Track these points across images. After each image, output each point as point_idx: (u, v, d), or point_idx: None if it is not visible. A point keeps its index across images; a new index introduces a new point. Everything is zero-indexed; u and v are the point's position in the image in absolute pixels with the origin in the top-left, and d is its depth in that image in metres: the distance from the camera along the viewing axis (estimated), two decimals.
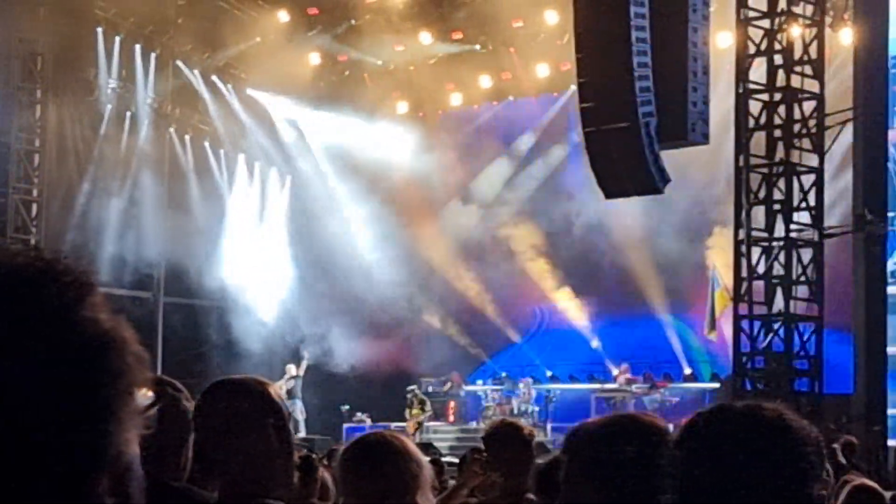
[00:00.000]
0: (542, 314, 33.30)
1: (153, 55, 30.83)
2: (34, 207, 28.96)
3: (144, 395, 1.41)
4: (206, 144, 32.67)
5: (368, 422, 28.95)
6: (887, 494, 7.17)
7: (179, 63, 31.52)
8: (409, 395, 29.64)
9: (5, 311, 1.32)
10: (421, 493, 4.60)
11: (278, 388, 4.02)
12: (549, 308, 32.96)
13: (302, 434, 27.25)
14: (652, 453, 3.02)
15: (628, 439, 3.24)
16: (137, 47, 30.46)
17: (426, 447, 17.51)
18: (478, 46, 31.98)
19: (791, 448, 2.64)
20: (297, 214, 34.22)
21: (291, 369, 30.19)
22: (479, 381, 32.35)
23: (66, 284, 1.36)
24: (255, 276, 32.76)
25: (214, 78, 32.28)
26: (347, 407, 30.49)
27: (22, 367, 1.30)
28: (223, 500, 3.84)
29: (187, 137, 32.20)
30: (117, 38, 30.05)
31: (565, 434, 2.96)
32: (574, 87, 22.26)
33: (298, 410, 29.34)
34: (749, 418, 2.69)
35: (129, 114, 30.77)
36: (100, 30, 29.59)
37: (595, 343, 32.19)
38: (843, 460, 14.07)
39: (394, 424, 25.73)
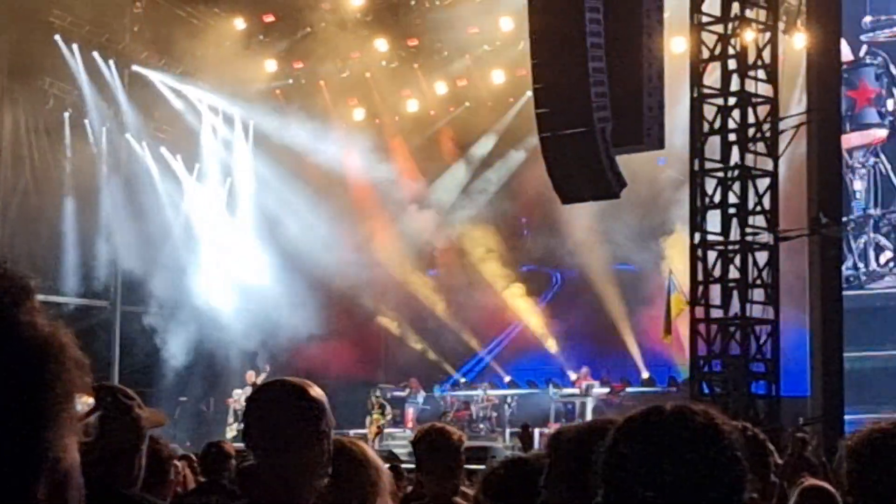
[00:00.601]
0: (504, 323, 33.29)
1: (110, 62, 30.69)
2: None
3: (85, 402, 1.40)
4: (164, 151, 32.54)
5: None
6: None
7: (136, 70, 31.39)
8: (371, 399, 29.63)
9: None
10: (380, 500, 4.61)
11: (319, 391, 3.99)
12: (508, 313, 32.96)
13: None
14: None
15: None
16: (95, 54, 30.33)
17: (389, 457, 17.50)
18: (433, 53, 32.00)
19: (721, 451, 2.61)
20: (255, 222, 34.12)
21: (251, 377, 30.08)
22: (438, 387, 32.35)
23: (2, 289, 1.36)
24: (215, 284, 32.62)
25: (171, 85, 32.18)
26: None
27: None
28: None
29: (144, 144, 32.07)
30: (74, 46, 29.90)
31: (550, 436, 2.96)
32: (530, 93, 22.29)
33: None
34: (679, 421, 2.66)
35: (86, 121, 30.63)
36: (57, 37, 29.45)
37: (553, 347, 32.25)
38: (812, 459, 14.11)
39: (353, 431, 25.69)
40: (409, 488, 9.41)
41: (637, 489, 2.57)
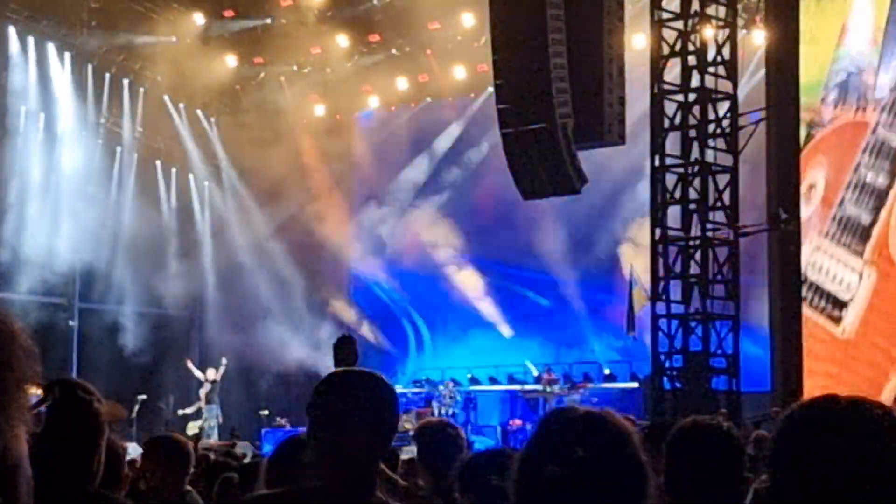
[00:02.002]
0: (458, 315, 33.25)
1: (67, 55, 30.45)
2: None
3: (35, 393, 1.37)
4: (119, 149, 32.33)
5: (287, 426, 28.81)
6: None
7: (93, 65, 31.16)
8: None
9: None
10: None
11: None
12: (468, 308, 32.95)
13: (215, 440, 27.02)
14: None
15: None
16: (50, 47, 30.10)
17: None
18: (394, 49, 31.96)
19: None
20: (212, 219, 34.03)
21: (210, 373, 29.95)
22: (399, 385, 32.31)
23: None
24: (170, 281, 32.47)
25: (128, 80, 31.99)
26: (266, 412, 30.32)
27: None
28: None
29: (100, 141, 31.85)
30: (30, 39, 29.67)
31: (538, 421, 2.96)
32: (491, 89, 22.30)
33: (214, 416, 29.17)
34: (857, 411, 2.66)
35: (41, 115, 30.39)
36: (12, 29, 29.22)
37: (515, 343, 32.28)
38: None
39: None
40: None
41: (812, 476, 2.57)
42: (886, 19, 23.07)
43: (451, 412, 28.79)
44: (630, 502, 2.72)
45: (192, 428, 28.29)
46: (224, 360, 30.49)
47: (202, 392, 29.38)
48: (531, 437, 2.88)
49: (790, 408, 2.74)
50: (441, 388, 30.30)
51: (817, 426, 2.62)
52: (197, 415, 29.40)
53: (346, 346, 13.78)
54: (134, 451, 11.45)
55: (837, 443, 2.56)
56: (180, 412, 29.62)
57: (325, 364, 32.14)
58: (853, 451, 2.55)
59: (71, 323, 30.49)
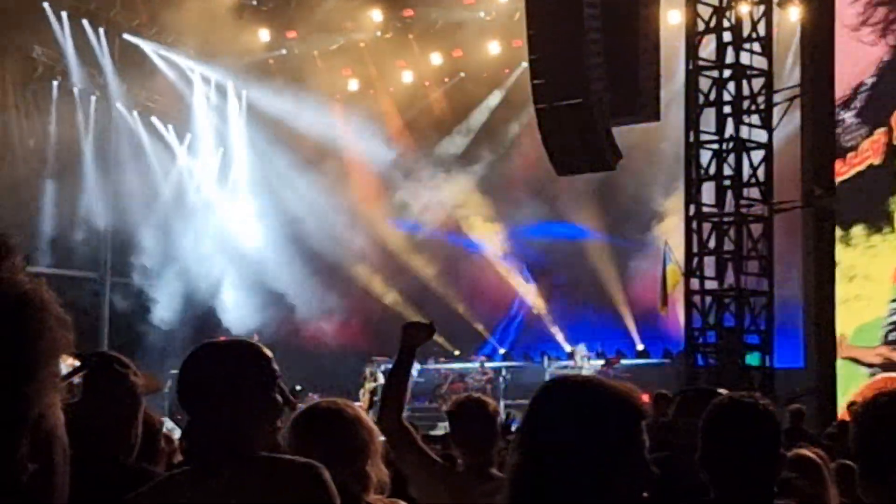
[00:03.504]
0: (490, 289, 33.22)
1: (101, 30, 30.51)
2: None
3: (69, 363, 1.38)
4: (154, 120, 32.42)
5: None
6: (832, 465, 7.23)
7: (127, 38, 31.20)
8: (365, 371, 29.66)
9: None
10: (371, 462, 4.59)
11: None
12: (500, 282, 32.92)
13: None
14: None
15: None
16: (85, 22, 30.16)
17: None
18: (428, 24, 31.89)
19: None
20: (249, 193, 34.03)
21: None
22: (433, 360, 32.33)
23: None
24: (208, 256, 32.57)
25: (162, 53, 32.02)
26: (300, 388, 30.41)
27: None
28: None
29: (135, 113, 31.94)
30: (63, 13, 29.72)
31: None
32: (525, 64, 22.24)
33: None
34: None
35: (75, 89, 30.47)
36: (46, 4, 29.27)
37: (548, 319, 32.27)
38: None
39: None
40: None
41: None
42: None
43: (483, 387, 28.82)
44: None
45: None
46: (256, 336, 30.51)
47: None
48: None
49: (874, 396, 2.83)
50: (474, 364, 30.35)
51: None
52: None
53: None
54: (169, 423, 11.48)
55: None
56: None
57: (360, 345, 32.39)
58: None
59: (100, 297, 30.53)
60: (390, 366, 26.64)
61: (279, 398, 3.85)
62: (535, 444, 2.83)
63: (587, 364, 28.61)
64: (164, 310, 31.41)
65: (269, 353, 3.91)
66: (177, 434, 9.27)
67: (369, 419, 4.86)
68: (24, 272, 1.37)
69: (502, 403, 28.21)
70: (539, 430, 2.84)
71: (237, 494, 3.63)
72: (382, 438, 5.03)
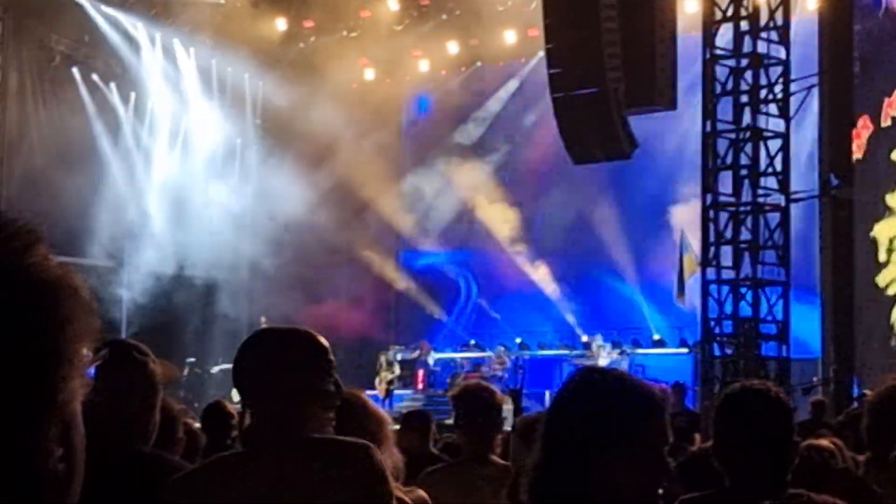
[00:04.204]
0: (507, 279, 33.20)
1: (130, 20, 30.51)
2: None
3: (91, 350, 1.39)
4: (171, 112, 32.41)
5: None
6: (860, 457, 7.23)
7: (141, 26, 31.16)
8: (380, 359, 29.71)
9: None
10: (383, 449, 4.62)
11: None
12: (517, 272, 32.90)
13: None
14: None
15: None
16: (103, 9, 30.15)
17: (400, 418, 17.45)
18: (445, 14, 31.86)
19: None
20: (262, 182, 33.97)
21: None
22: (449, 349, 32.37)
23: (12, 233, 1.36)
24: (220, 245, 32.56)
25: (178, 43, 32.00)
26: None
27: None
28: None
29: (151, 104, 31.91)
30: (82, 0, 29.72)
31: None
32: (542, 53, 22.23)
33: None
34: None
35: (94, 76, 30.49)
36: None
37: (564, 308, 32.24)
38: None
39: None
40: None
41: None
42: None
43: (500, 376, 28.84)
44: None
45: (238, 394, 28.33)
46: (263, 319, 30.38)
47: None
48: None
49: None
50: (490, 353, 30.37)
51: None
52: None
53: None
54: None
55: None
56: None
57: (375, 333, 32.44)
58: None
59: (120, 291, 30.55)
60: (406, 354, 26.56)
61: (333, 388, 3.91)
62: (558, 434, 2.86)
63: (604, 354, 28.63)
64: (179, 300, 31.36)
65: (325, 343, 3.97)
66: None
67: (378, 407, 4.89)
68: (52, 259, 1.39)
69: (518, 392, 28.24)
70: (564, 420, 2.86)
71: (290, 473, 3.71)
72: (394, 427, 5.05)
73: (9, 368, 1.30)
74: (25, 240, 1.37)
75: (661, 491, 2.87)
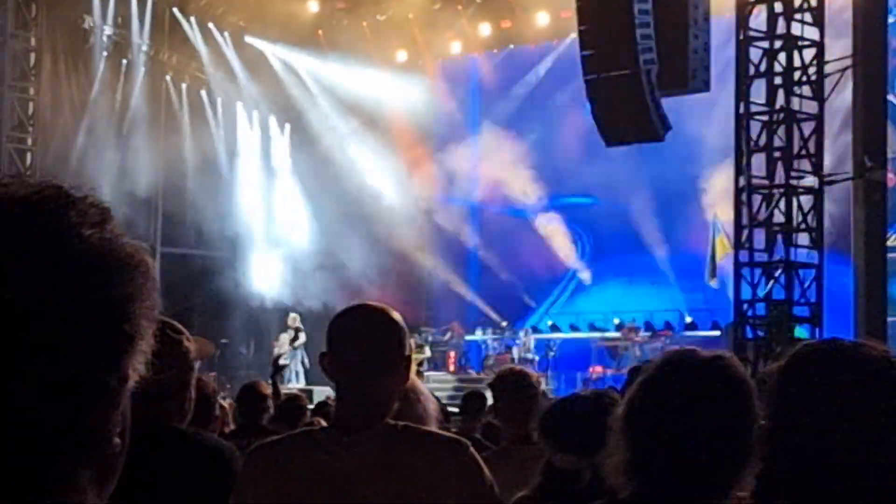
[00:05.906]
0: (538, 260, 33.16)
1: (149, 1, 30.56)
2: (28, 157, 28.79)
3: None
4: (203, 93, 32.48)
5: None
6: None
7: (175, 10, 31.25)
8: (411, 341, 29.70)
9: (38, 232, 1.32)
10: (431, 425, 4.64)
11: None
12: (547, 253, 32.87)
13: (302, 384, 27.24)
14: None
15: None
16: None
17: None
18: None
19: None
20: (299, 164, 34.01)
21: (293, 319, 30.01)
22: (479, 331, 32.36)
23: (83, 210, 1.37)
24: (257, 227, 32.67)
25: (211, 25, 32.05)
26: None
27: (55, 284, 1.30)
28: None
29: (184, 86, 32.01)
30: None
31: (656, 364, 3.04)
32: (574, 35, 22.17)
33: (299, 361, 29.29)
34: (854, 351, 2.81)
35: (124, 62, 30.55)
36: None
37: (587, 279, 32.22)
38: None
39: None
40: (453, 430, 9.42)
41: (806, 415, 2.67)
42: None
43: (530, 358, 28.86)
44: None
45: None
46: (293, 316, 30.36)
47: (288, 339, 29.40)
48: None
49: (796, 347, 2.82)
50: (521, 334, 30.36)
51: (820, 365, 2.70)
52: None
53: None
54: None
55: (839, 380, 2.63)
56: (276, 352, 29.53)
57: (405, 314, 32.37)
58: (853, 389, 2.63)
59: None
60: (438, 336, 26.67)
61: (406, 372, 3.94)
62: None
63: (635, 337, 28.60)
64: (215, 282, 31.42)
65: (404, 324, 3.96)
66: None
67: (424, 387, 4.91)
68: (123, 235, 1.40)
69: (549, 374, 28.28)
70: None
71: (386, 464, 3.71)
72: (435, 404, 5.07)
73: (84, 344, 1.31)
74: (97, 216, 1.37)
75: None
